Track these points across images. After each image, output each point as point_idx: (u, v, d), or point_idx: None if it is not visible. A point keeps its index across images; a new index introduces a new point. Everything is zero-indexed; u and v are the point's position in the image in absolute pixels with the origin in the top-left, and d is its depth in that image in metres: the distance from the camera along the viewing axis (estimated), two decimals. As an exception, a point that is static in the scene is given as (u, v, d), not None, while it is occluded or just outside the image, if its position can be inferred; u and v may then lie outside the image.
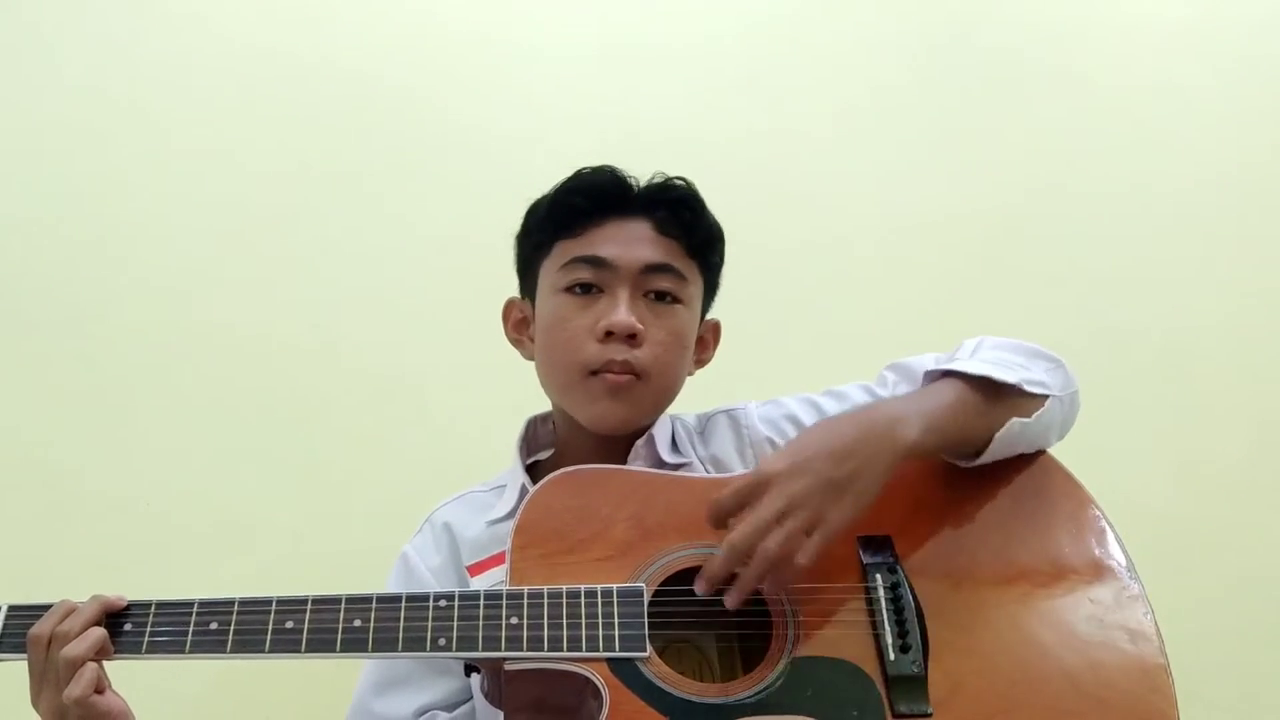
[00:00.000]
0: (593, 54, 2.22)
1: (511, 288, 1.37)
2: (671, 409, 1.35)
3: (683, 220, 1.27)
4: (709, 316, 1.38)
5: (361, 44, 2.17)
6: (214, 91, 2.12)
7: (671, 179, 1.31)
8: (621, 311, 1.22)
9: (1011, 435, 1.15)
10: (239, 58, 2.13)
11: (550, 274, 1.29)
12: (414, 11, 2.20)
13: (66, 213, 2.01)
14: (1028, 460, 1.20)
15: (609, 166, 1.30)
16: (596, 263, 1.25)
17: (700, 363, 1.37)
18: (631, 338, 1.22)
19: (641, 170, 1.32)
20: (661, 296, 1.26)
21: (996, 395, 1.14)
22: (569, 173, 1.31)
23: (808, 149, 2.22)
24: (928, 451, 1.10)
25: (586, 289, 1.26)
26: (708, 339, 1.38)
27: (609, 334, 1.22)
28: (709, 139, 2.16)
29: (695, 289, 1.30)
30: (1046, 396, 1.18)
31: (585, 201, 1.27)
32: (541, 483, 1.15)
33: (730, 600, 1.03)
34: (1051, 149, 2.27)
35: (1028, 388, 1.15)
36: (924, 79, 2.30)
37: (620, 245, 1.25)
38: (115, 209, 2.03)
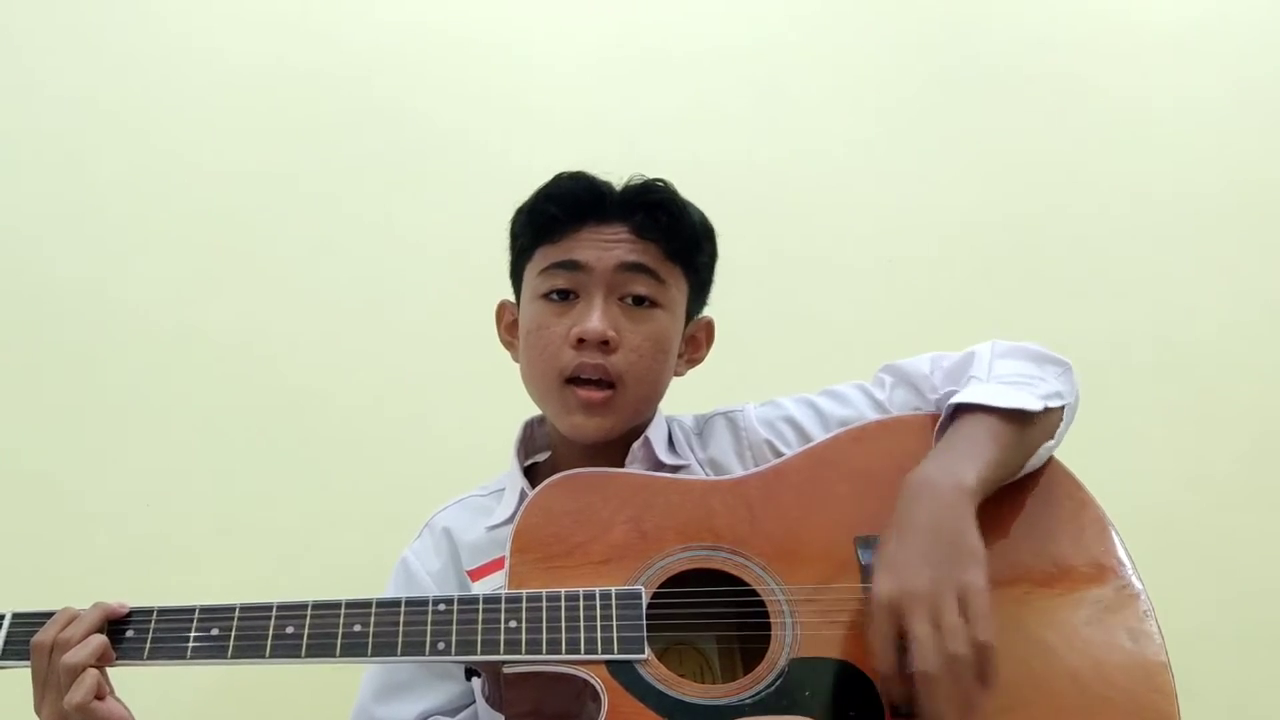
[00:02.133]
0: (591, 62, 2.23)
1: (507, 291, 1.37)
2: (669, 410, 1.35)
3: (661, 223, 1.25)
4: (703, 314, 1.36)
5: (358, 53, 2.17)
6: (215, 100, 2.12)
7: (650, 181, 1.29)
8: (594, 318, 1.21)
9: (1039, 458, 1.16)
10: (234, 67, 2.13)
11: (531, 280, 1.28)
12: (410, 20, 2.20)
13: (65, 219, 2.02)
14: (1031, 462, 1.20)
15: (584, 173, 1.29)
16: (572, 266, 1.24)
17: (693, 362, 1.36)
18: (605, 344, 1.21)
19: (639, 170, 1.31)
20: (639, 301, 1.24)
21: (1026, 422, 1.14)
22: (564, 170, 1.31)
23: (806, 152, 2.22)
24: (985, 493, 1.08)
25: (564, 295, 1.25)
26: (700, 338, 1.36)
27: (582, 340, 1.21)
28: (709, 140, 2.17)
29: (677, 292, 1.28)
30: (1063, 406, 1.19)
31: (561, 209, 1.26)
32: (540, 487, 1.15)
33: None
34: (1056, 155, 2.27)
35: (1050, 405, 1.16)
36: (929, 87, 2.29)
37: (596, 249, 1.24)
38: (115, 214, 2.03)
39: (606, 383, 1.23)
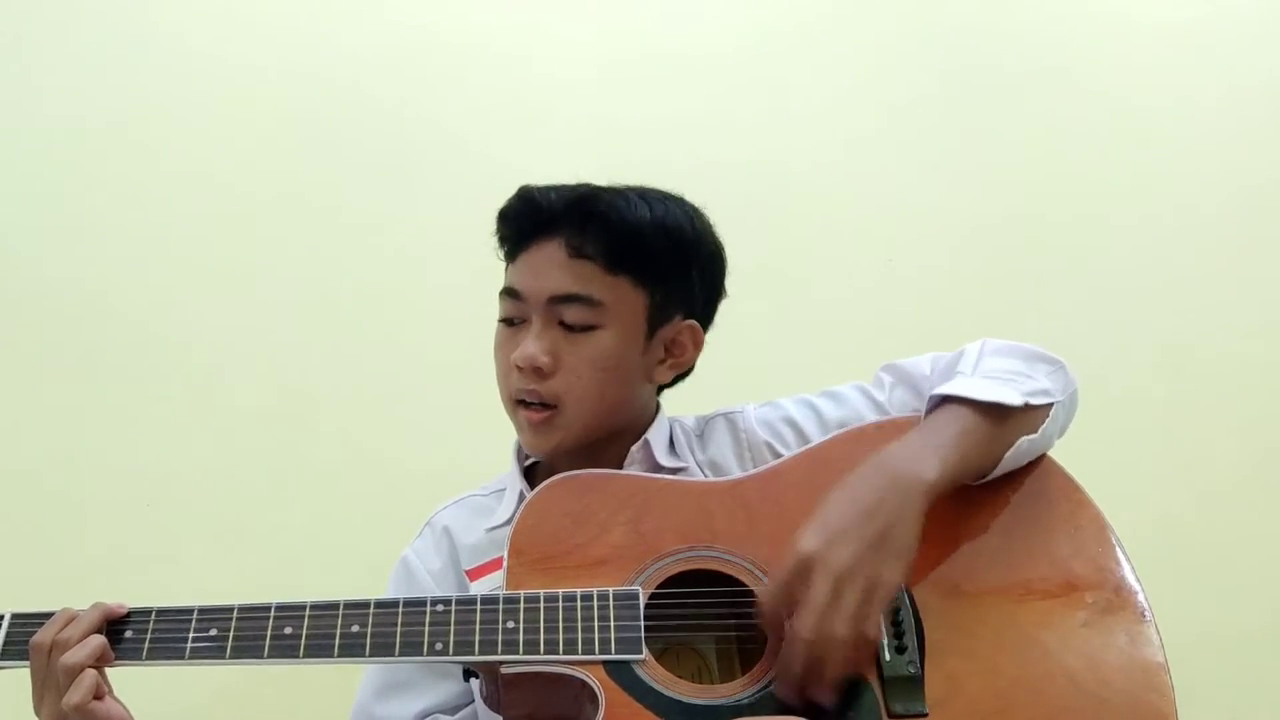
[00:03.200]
0: (595, 66, 2.23)
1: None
2: (671, 410, 1.35)
3: (595, 238, 1.20)
4: (686, 320, 1.29)
5: (358, 58, 2.17)
6: (217, 105, 2.13)
7: (585, 191, 1.24)
8: (526, 345, 1.21)
9: (1020, 452, 1.15)
10: (236, 73, 2.14)
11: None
12: (411, 24, 2.20)
13: (65, 221, 2.03)
14: (1027, 462, 1.19)
15: (530, 188, 1.26)
16: (513, 294, 1.24)
17: (677, 366, 1.30)
18: (538, 370, 1.21)
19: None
20: (575, 325, 1.22)
21: (1004, 416, 1.14)
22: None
23: (808, 154, 2.23)
24: (946, 487, 1.09)
25: (510, 321, 1.25)
26: (684, 341, 1.29)
27: (520, 366, 1.21)
28: (711, 143, 2.18)
29: (624, 306, 1.23)
30: (1051, 404, 1.18)
31: (506, 228, 1.27)
32: (538, 488, 1.15)
33: (825, 697, 1.00)
34: (1057, 156, 2.28)
35: (1034, 401, 1.15)
36: (930, 90, 2.30)
37: (531, 275, 1.23)
38: (115, 216, 2.04)
39: (547, 404, 1.22)
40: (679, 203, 1.29)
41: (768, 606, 1.03)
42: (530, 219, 1.24)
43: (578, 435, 1.24)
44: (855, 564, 1.00)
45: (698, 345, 1.32)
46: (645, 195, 1.26)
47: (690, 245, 1.27)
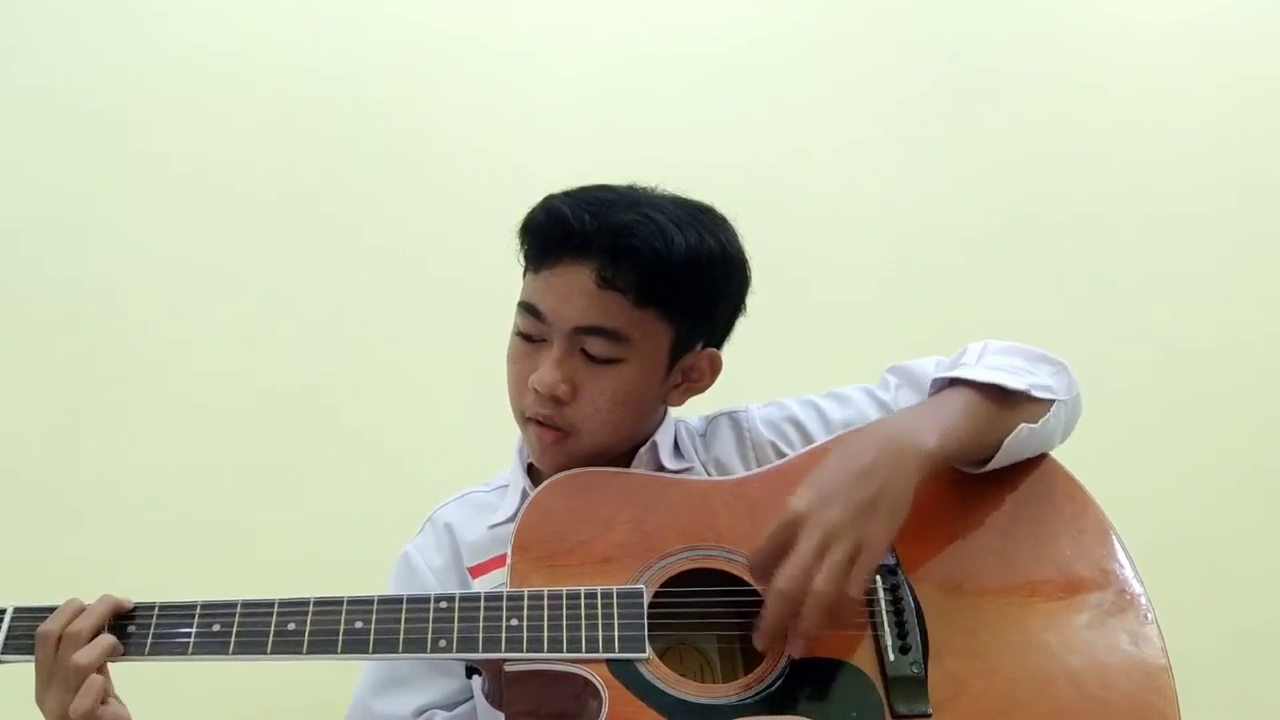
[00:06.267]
0: (595, 65, 2.23)
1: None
2: (676, 412, 1.34)
3: (627, 271, 1.14)
4: (706, 349, 1.26)
5: (358, 57, 2.18)
6: (219, 104, 2.14)
7: (620, 221, 1.16)
8: (545, 372, 1.16)
9: (1019, 441, 1.15)
10: (237, 71, 2.15)
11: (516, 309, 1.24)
12: (411, 23, 2.21)
13: (68, 220, 2.03)
14: (1030, 463, 1.20)
15: (558, 204, 1.19)
16: (534, 312, 1.18)
17: (691, 391, 1.28)
18: (556, 397, 1.17)
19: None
20: (598, 357, 1.17)
21: (1005, 402, 1.14)
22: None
23: (808, 153, 2.24)
24: (943, 460, 1.10)
25: (529, 337, 1.20)
26: (703, 367, 1.27)
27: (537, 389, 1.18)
28: (711, 142, 2.18)
29: (649, 342, 1.18)
30: (1053, 401, 1.18)
31: (531, 241, 1.21)
32: (543, 485, 1.16)
33: (795, 650, 1.02)
34: (1057, 156, 2.29)
35: (1035, 393, 1.16)
36: (930, 90, 2.31)
37: (557, 298, 1.16)
38: (119, 215, 2.05)
39: (560, 428, 1.19)
40: (710, 221, 1.23)
41: (756, 562, 1.04)
42: (559, 240, 1.17)
43: (588, 459, 1.21)
44: (844, 522, 1.01)
45: (715, 372, 1.29)
46: (679, 221, 1.18)
47: (721, 278, 1.23)
